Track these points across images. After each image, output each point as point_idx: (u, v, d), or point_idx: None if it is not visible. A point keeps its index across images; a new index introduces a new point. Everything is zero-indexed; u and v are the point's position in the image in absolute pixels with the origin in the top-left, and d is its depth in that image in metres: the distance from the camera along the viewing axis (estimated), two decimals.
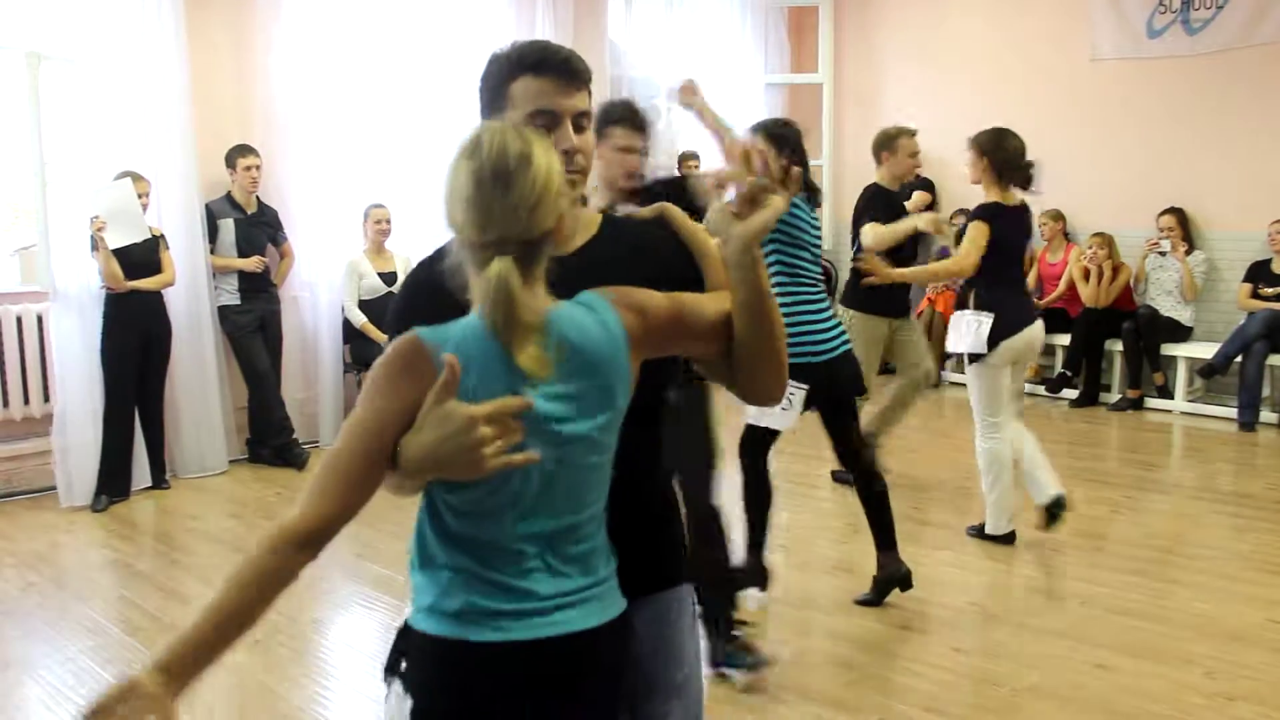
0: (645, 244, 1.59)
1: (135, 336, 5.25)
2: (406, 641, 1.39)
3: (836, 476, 5.30)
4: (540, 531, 1.36)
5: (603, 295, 1.39)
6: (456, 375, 1.29)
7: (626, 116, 2.97)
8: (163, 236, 5.40)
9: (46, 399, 5.38)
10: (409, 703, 1.37)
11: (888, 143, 4.93)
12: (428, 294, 1.46)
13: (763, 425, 3.58)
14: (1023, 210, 4.30)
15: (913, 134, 4.98)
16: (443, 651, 1.35)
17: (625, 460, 1.46)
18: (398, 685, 1.39)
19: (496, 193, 1.29)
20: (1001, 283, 4.25)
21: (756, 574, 3.65)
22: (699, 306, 1.47)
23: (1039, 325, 4.30)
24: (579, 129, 1.53)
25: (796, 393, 3.45)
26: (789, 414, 3.48)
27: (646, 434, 1.58)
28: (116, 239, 5.08)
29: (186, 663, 1.23)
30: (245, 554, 1.28)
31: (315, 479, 1.31)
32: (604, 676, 1.41)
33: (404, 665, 1.39)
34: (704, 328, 1.47)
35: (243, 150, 5.71)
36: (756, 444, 3.63)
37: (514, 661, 1.33)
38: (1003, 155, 4.17)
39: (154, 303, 5.34)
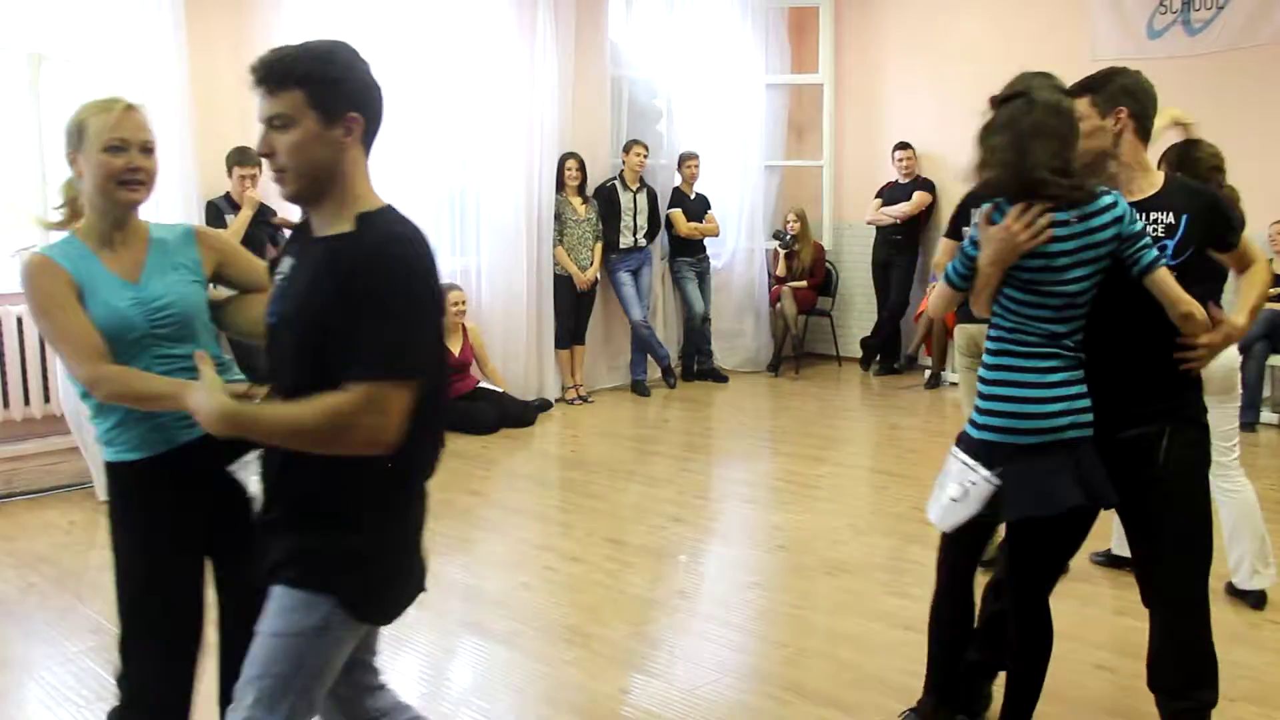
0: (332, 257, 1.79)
1: None
2: None
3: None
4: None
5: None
6: None
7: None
8: None
9: (47, 399, 5.38)
10: None
11: None
12: None
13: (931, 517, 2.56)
14: None
15: None
16: None
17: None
18: None
19: None
20: None
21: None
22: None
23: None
24: (274, 129, 1.75)
25: (977, 483, 2.39)
26: (957, 508, 2.46)
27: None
28: None
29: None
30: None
31: None
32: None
33: None
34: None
35: (240, 160, 5.61)
36: (959, 540, 2.51)
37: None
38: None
39: None
